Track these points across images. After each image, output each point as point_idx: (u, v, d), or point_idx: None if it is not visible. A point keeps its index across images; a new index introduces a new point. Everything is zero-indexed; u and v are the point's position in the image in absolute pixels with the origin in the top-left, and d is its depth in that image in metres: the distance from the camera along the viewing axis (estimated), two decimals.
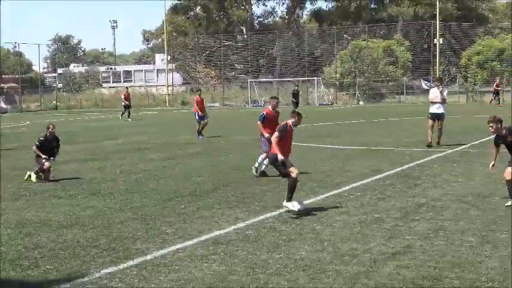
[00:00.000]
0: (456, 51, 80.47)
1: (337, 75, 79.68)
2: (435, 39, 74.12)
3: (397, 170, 18.87)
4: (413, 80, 79.98)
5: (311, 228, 11.84)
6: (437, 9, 74.87)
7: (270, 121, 17.94)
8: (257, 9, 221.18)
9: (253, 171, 18.16)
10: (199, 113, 31.69)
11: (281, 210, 13.04)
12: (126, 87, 56.18)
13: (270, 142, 17.60)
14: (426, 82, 72.54)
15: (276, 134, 13.52)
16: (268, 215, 13.08)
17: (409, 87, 77.01)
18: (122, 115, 50.29)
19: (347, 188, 16.06)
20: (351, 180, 17.18)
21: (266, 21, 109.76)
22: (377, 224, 12.00)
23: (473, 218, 12.31)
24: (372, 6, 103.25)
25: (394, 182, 16.81)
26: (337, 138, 29.18)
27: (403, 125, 37.01)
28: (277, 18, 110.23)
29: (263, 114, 18.28)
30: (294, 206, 12.92)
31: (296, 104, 47.28)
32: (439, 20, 74.61)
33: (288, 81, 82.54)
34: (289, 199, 13.08)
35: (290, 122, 13.79)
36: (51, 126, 18.80)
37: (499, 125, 13.63)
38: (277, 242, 10.91)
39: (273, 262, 9.69)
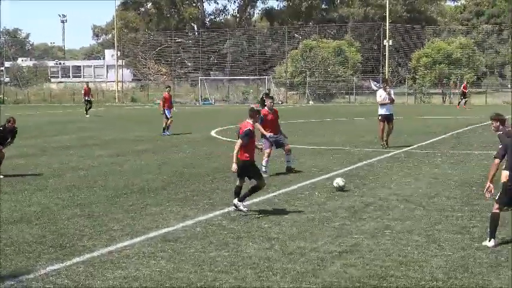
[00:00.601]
0: (405, 53, 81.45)
1: (288, 74, 79.94)
2: (385, 41, 74.89)
3: (345, 169, 19.02)
4: (363, 81, 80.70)
5: (259, 226, 11.86)
6: (387, 11, 75.64)
7: (269, 121, 18.35)
8: (208, 7, 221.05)
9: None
10: (166, 109, 31.41)
11: (230, 209, 13.03)
12: (86, 83, 55.13)
13: (269, 141, 18.04)
14: (375, 83, 73.10)
15: (239, 141, 13.01)
16: (217, 212, 13.07)
17: (359, 87, 77.70)
18: (86, 111, 48.85)
19: (296, 186, 16.14)
20: (300, 179, 17.25)
21: (217, 19, 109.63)
22: (325, 223, 12.08)
23: (419, 218, 12.48)
24: (323, 6, 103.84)
25: None
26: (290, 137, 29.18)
27: (353, 125, 37.32)
28: (229, 17, 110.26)
29: (261, 116, 18.12)
30: (245, 207, 13.00)
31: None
32: (389, 22, 75.39)
33: (240, 79, 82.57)
34: (243, 200, 13.10)
35: (250, 122, 13.26)
36: (12, 119, 18.45)
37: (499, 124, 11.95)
38: (226, 239, 10.91)
39: (221, 260, 9.69)
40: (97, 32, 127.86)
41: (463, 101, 57.04)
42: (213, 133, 31.63)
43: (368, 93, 74.34)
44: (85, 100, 49.45)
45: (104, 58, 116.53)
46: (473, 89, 70.73)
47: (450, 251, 10.19)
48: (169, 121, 31.09)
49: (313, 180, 17.01)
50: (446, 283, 8.66)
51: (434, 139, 27.47)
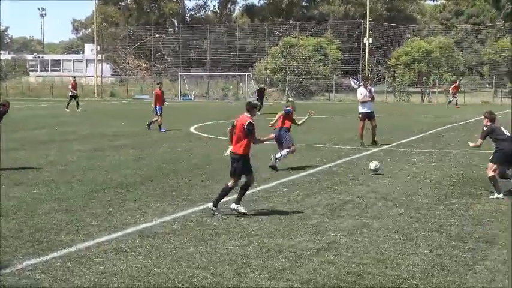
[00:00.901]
0: (385, 51, 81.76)
1: (268, 71, 79.95)
2: (365, 39, 75.09)
3: (324, 167, 19.09)
4: (343, 78, 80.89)
5: (238, 222, 11.87)
6: (368, 9, 75.84)
7: (289, 117, 19.74)
8: (189, 3, 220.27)
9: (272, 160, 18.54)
10: (158, 105, 31.10)
11: (208, 205, 13.00)
12: (74, 77, 54.41)
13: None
14: (355, 81, 73.24)
15: (253, 136, 12.76)
16: (196, 209, 13.06)
17: (338, 85, 77.86)
18: (67, 105, 48.34)
19: (274, 183, 16.15)
20: (279, 176, 17.29)
21: (198, 14, 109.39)
22: (303, 220, 12.11)
23: (397, 216, 12.55)
24: (304, 3, 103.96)
25: (321, 178, 16.99)
26: (265, 133, 29.17)
27: (332, 123, 37.38)
28: (209, 13, 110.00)
29: (289, 109, 19.85)
30: (244, 208, 12.70)
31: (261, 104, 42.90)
32: (369, 20, 75.60)
33: (220, 75, 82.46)
34: (239, 201, 12.77)
35: (249, 116, 12.84)
36: (6, 103, 18.31)
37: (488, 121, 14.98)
38: (204, 236, 10.91)
39: (199, 256, 9.69)
40: (76, 26, 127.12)
41: (454, 100, 57.14)
42: (192, 129, 31.57)
43: (348, 91, 74.52)
44: (72, 94, 48.82)
45: (83, 52, 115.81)
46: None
47: (427, 249, 10.25)
48: (157, 117, 30.82)
49: (291, 178, 17.05)
50: (423, 281, 8.72)
51: (413, 138, 27.60)
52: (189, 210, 12.90)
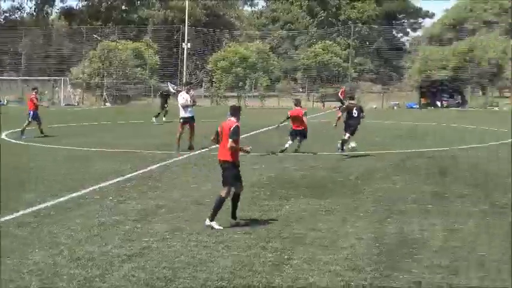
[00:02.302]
0: (204, 56, 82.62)
1: (85, 75, 78.47)
2: (183, 44, 75.51)
3: (139, 172, 18.99)
4: (161, 83, 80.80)
5: (48, 231, 11.61)
6: (187, 14, 76.34)
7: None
8: (4, 4, 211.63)
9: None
10: (31, 111, 30.03)
11: (17, 214, 12.55)
12: None
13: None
14: (174, 86, 73.27)
15: (235, 139, 12.34)
16: (5, 218, 12.60)
17: (157, 90, 77.68)
18: None
19: (88, 190, 15.89)
20: (92, 182, 17.01)
21: (13, 16, 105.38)
22: (116, 227, 12.04)
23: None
24: (124, 7, 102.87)
25: (136, 184, 16.92)
26: (80, 139, 28.74)
27: (149, 128, 37.23)
28: (25, 15, 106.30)
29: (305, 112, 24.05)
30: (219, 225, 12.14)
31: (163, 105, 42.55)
32: (188, 25, 76.11)
33: (35, 79, 79.93)
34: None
35: (234, 120, 12.57)
36: None
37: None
38: (11, 246, 10.58)
39: (5, 268, 9.39)
40: None
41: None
42: (3, 136, 30.36)
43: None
44: None
45: None
46: (268, 92, 73.10)
47: (237, 250, 10.51)
48: (27, 124, 29.82)
49: (105, 184, 16.83)
50: (232, 282, 8.94)
51: None
52: None
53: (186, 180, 17.67)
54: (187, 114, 24.60)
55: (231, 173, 12.37)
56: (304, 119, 23.45)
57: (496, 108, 62.68)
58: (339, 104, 37.00)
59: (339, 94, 40.10)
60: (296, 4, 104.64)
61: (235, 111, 12.72)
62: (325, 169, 19.88)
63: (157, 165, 20.53)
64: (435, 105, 63.03)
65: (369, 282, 9.06)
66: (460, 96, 65.57)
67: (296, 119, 23.50)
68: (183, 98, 24.73)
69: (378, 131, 25.16)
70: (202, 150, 24.04)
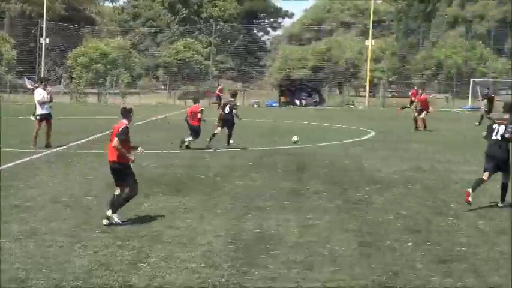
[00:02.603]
0: (63, 52, 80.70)
1: None
2: (41, 39, 73.54)
3: None
4: (18, 79, 78.35)
5: None
6: (45, 9, 74.35)
7: None
8: None
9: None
10: None
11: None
12: None
13: None
14: (31, 82, 71.21)
15: (122, 138, 12.12)
16: None
17: (13, 86, 75.21)
18: None
19: None
20: None
21: None
22: None
23: (66, 218, 12.53)
24: None
25: None
26: None
27: (3, 125, 35.98)
28: None
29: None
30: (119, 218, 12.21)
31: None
32: (47, 20, 74.18)
33: None
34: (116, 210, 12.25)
35: (125, 122, 12.43)
36: None
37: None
38: None
39: None
40: None
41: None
42: None
43: (22, 92, 72.29)
44: None
45: None
46: (129, 89, 72.37)
47: (94, 250, 10.41)
48: None
49: None
50: (87, 282, 8.84)
51: (89, 138, 27.50)
52: None
53: (42, 178, 17.23)
54: (44, 111, 24.02)
55: (126, 174, 12.42)
56: (199, 116, 23.73)
57: (352, 107, 64.61)
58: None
59: (217, 92, 47.64)
60: (158, 1, 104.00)
61: (126, 112, 12.70)
62: (184, 166, 19.90)
63: (13, 163, 19.79)
64: (294, 104, 64.23)
65: (226, 279, 9.19)
66: (318, 95, 67.06)
67: (193, 115, 24.00)
68: (40, 94, 24.11)
69: (238, 129, 25.39)
70: (60, 148, 23.52)
